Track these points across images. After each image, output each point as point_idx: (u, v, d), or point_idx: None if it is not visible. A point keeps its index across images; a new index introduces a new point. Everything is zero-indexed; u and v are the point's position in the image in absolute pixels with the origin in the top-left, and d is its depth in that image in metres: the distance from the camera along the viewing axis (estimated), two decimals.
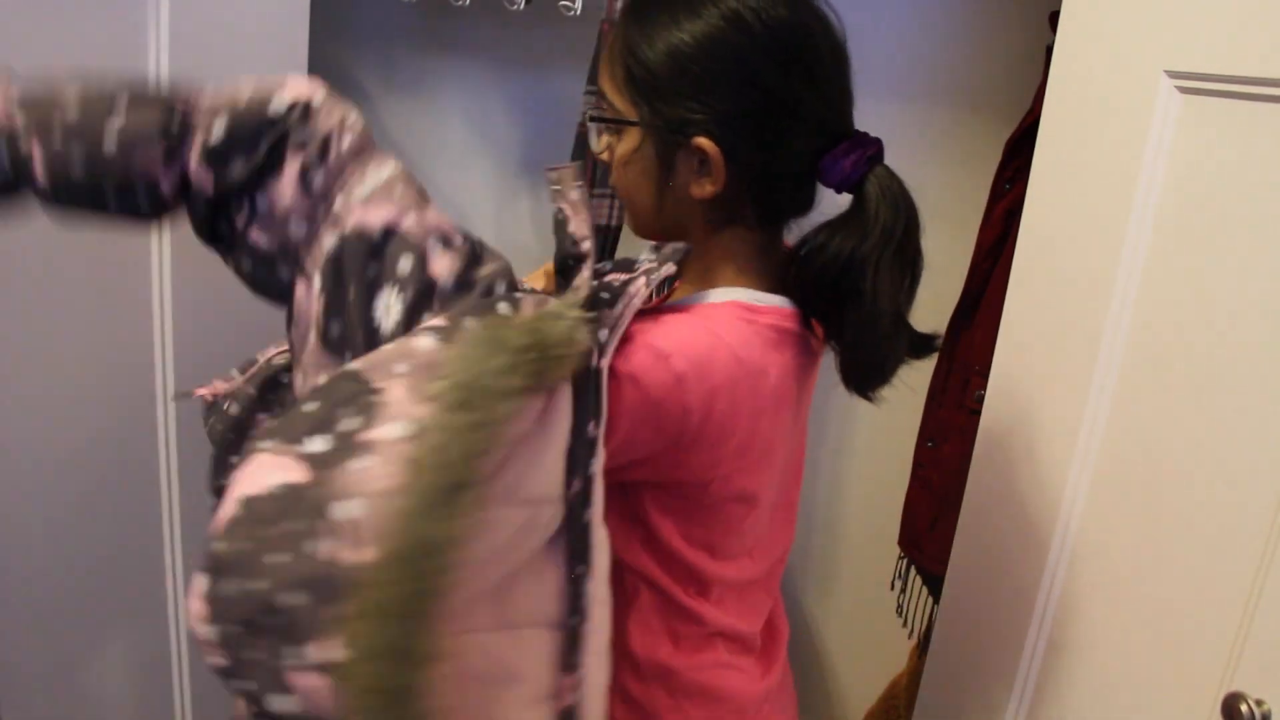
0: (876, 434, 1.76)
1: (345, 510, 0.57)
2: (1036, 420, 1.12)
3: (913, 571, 1.57)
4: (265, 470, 0.60)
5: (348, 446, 0.59)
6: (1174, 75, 0.94)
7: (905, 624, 1.59)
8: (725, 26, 0.78)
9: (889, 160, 0.83)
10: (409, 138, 1.92)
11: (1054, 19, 1.14)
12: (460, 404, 0.59)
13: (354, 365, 0.64)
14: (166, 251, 1.20)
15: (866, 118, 1.57)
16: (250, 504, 0.59)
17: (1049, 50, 1.14)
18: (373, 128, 0.73)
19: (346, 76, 1.88)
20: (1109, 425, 1.02)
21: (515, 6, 1.48)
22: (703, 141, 0.79)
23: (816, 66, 0.81)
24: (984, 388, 1.21)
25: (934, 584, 1.49)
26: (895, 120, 1.57)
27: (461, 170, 1.83)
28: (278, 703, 0.58)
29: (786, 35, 0.79)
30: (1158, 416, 0.97)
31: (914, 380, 1.56)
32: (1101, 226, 1.02)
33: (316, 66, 1.27)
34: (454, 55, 1.85)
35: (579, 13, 1.41)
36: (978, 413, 1.24)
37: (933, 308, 1.64)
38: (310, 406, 0.62)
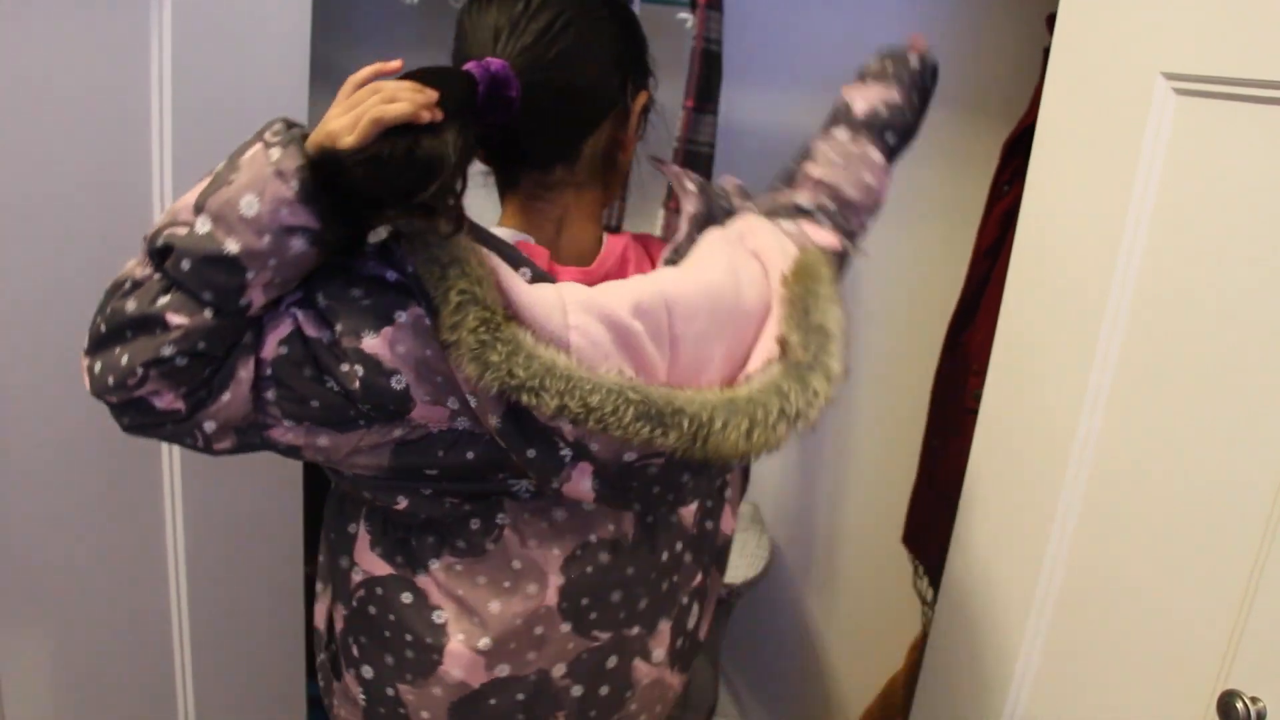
0: (876, 435, 1.76)
1: None
2: (1033, 419, 1.12)
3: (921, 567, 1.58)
4: None
5: None
6: (1170, 77, 0.95)
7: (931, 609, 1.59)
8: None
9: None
10: None
11: (1051, 21, 1.15)
12: None
13: None
14: None
15: None
16: None
17: (1046, 52, 1.15)
18: None
19: (347, 77, 1.87)
20: (1105, 424, 1.03)
21: None
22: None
23: None
24: (983, 387, 1.21)
25: (940, 579, 1.49)
26: None
27: None
28: None
29: None
30: (1154, 415, 0.97)
31: (915, 380, 1.57)
32: (1098, 227, 1.02)
33: (317, 67, 1.28)
34: None
35: None
36: (977, 411, 1.24)
37: (933, 308, 1.65)
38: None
